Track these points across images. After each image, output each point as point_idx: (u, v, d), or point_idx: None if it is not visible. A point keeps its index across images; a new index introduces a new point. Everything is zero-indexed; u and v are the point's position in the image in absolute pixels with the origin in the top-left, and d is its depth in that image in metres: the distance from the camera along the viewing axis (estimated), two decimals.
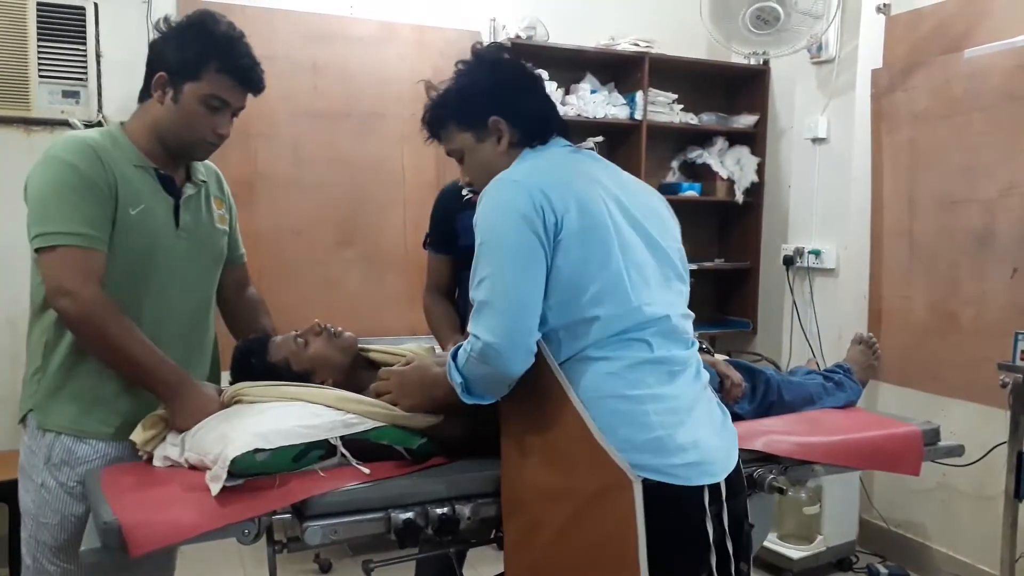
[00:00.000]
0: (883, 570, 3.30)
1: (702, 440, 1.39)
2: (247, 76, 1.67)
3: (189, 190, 1.74)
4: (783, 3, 3.15)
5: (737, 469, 1.45)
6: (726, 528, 1.39)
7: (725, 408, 1.53)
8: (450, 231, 2.21)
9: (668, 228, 1.56)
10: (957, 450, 1.97)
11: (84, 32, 3.12)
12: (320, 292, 3.43)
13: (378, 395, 1.58)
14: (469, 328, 1.38)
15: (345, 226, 3.57)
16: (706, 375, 1.51)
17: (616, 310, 1.37)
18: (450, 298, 2.27)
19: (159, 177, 1.68)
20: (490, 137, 1.55)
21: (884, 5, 3.40)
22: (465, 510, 1.46)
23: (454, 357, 1.42)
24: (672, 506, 1.34)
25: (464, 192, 2.23)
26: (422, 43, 3.63)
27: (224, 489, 1.36)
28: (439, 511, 1.44)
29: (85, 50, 3.12)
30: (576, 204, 1.38)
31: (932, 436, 1.92)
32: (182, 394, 1.59)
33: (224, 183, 1.90)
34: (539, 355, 1.38)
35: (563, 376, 1.38)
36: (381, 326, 3.09)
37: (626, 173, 1.59)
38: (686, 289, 1.53)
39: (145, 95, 1.68)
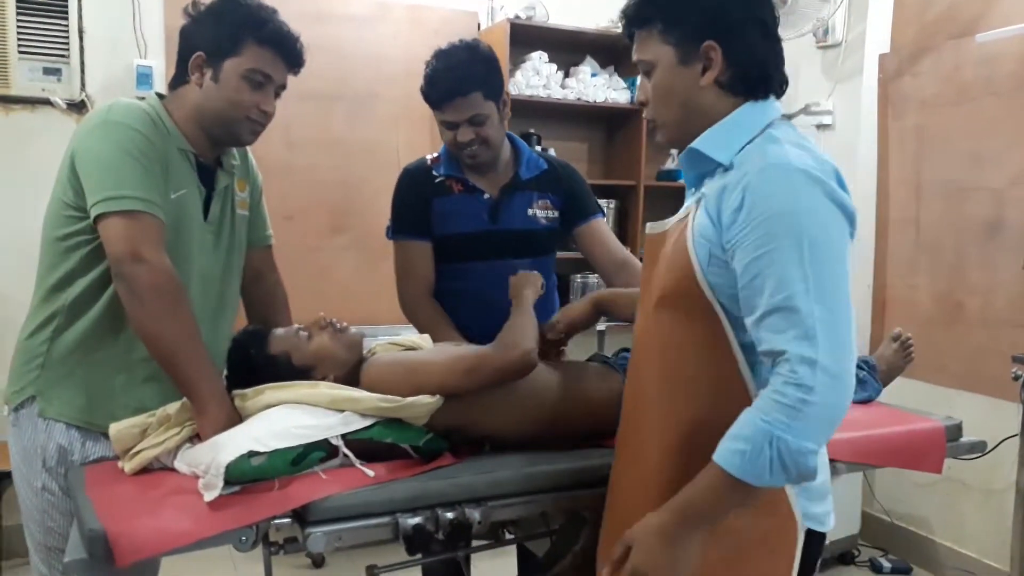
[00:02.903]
0: (886, 564, 3.26)
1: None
2: (287, 46, 1.61)
3: (223, 180, 1.67)
4: None
5: None
6: None
7: None
8: (424, 217, 1.93)
9: None
10: (979, 446, 1.90)
11: (66, 6, 2.98)
12: (312, 280, 3.31)
13: None
14: (790, 348, 1.07)
15: (338, 211, 3.47)
16: None
17: None
18: (432, 291, 1.97)
19: (198, 165, 1.61)
20: (695, 64, 1.22)
21: None
22: (475, 513, 1.38)
23: (768, 420, 1.06)
24: (812, 551, 1.25)
25: (435, 173, 1.95)
26: (417, 22, 3.51)
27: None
28: (449, 515, 1.36)
29: (67, 25, 2.99)
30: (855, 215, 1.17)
31: (955, 432, 1.86)
32: (217, 406, 1.47)
33: (251, 160, 1.83)
34: (723, 343, 1.18)
35: (748, 373, 1.18)
36: (374, 315, 3.00)
37: None
38: None
39: (178, 82, 1.61)
